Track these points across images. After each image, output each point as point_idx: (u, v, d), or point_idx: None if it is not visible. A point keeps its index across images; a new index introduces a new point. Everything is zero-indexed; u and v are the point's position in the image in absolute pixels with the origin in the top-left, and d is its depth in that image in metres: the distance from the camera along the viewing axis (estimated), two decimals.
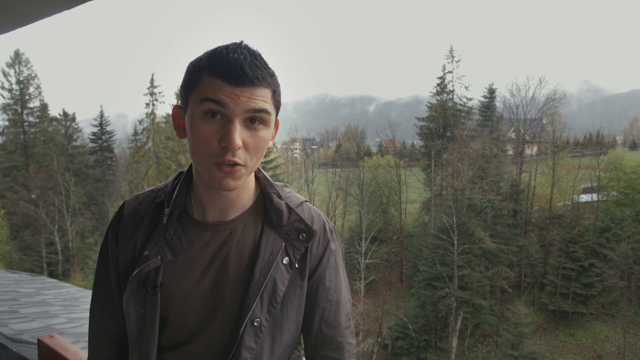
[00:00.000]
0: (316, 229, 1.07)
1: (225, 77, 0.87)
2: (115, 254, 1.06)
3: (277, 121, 1.01)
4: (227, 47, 0.91)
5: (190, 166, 1.07)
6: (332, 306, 1.08)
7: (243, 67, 0.87)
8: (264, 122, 0.92)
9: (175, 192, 1.05)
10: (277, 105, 0.96)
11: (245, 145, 0.91)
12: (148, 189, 1.13)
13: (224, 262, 1.01)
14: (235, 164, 0.90)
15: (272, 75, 0.93)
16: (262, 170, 1.12)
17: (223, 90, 0.87)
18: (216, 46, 0.93)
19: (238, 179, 0.93)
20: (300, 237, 1.04)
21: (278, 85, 0.96)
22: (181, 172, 1.10)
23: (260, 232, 1.03)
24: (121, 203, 1.13)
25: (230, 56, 0.88)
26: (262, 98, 0.90)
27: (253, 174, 1.07)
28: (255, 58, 0.90)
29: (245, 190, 1.04)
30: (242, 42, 0.93)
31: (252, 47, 0.93)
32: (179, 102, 0.99)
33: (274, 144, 33.04)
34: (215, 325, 1.00)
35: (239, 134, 0.88)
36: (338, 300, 1.10)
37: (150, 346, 1.00)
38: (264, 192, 1.08)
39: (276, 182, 1.12)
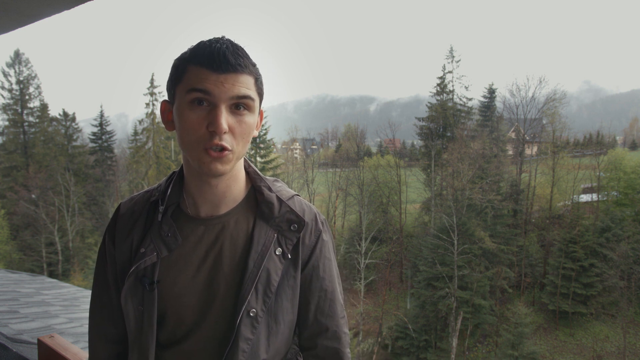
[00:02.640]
0: (307, 220, 1.09)
1: (209, 65, 0.90)
2: (113, 254, 1.08)
3: (261, 111, 1.05)
4: (209, 39, 0.95)
5: (182, 165, 1.10)
6: (327, 296, 1.11)
7: (226, 54, 0.91)
8: (249, 108, 0.96)
9: (169, 190, 1.08)
10: (260, 92, 0.99)
11: (231, 130, 0.94)
12: (143, 190, 1.16)
13: (218, 255, 1.03)
14: (223, 149, 0.93)
15: (254, 64, 0.97)
16: (253, 165, 1.14)
17: (208, 79, 0.90)
18: (199, 41, 0.97)
19: (226, 164, 0.95)
20: (291, 228, 1.06)
21: (260, 75, 0.99)
22: (174, 172, 1.13)
23: (252, 224, 1.06)
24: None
25: (213, 46, 0.92)
26: (245, 85, 0.93)
27: (243, 168, 1.10)
28: (236, 48, 0.94)
29: (235, 182, 1.06)
30: (223, 36, 0.97)
31: (233, 40, 0.96)
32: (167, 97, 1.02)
33: (270, 141, 33.01)
34: (212, 319, 1.02)
35: (225, 119, 0.92)
36: (333, 289, 1.12)
37: (149, 343, 1.02)
38: (255, 185, 1.11)
39: (266, 177, 1.15)
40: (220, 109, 0.91)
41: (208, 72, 0.90)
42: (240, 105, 0.94)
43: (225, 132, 0.92)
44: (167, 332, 1.05)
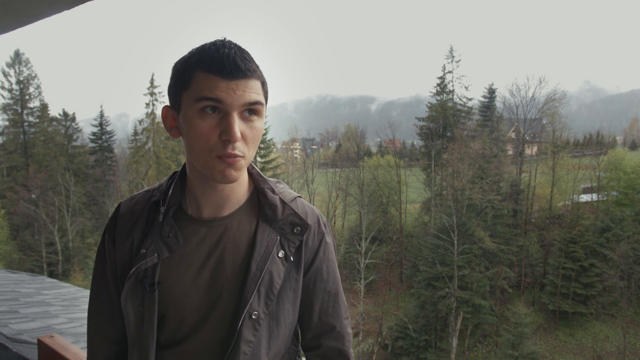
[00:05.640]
0: (311, 222, 1.09)
1: (220, 72, 0.89)
2: (113, 254, 1.07)
3: None
4: (214, 43, 0.93)
5: (184, 165, 1.09)
6: (330, 297, 1.11)
7: (235, 60, 0.89)
8: (258, 113, 0.95)
9: (170, 191, 1.07)
10: (266, 96, 0.99)
11: (243, 137, 0.93)
12: (143, 189, 1.15)
13: (220, 257, 1.02)
14: (236, 156, 0.92)
15: (258, 67, 0.97)
16: (255, 166, 1.14)
17: (219, 86, 0.89)
18: (201, 44, 0.95)
19: (239, 170, 0.95)
20: (294, 231, 1.06)
21: (264, 77, 0.99)
22: (175, 172, 1.12)
23: (255, 226, 1.05)
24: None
25: (222, 51, 0.90)
26: (255, 90, 0.93)
27: (246, 170, 1.10)
28: (243, 52, 0.93)
29: (239, 185, 1.06)
30: (225, 38, 0.95)
31: (237, 43, 0.95)
32: (169, 102, 1.00)
33: (270, 141, 32.99)
34: (213, 321, 1.02)
35: (238, 127, 0.91)
36: (337, 291, 1.13)
37: (149, 344, 1.01)
38: (258, 187, 1.10)
39: (269, 178, 1.14)
40: (232, 117, 0.90)
41: (218, 79, 0.88)
42: (251, 111, 0.93)
43: (238, 140, 0.91)
44: (167, 333, 1.04)
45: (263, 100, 0.95)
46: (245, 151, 0.94)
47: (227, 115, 0.90)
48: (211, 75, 0.89)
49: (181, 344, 1.03)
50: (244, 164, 0.95)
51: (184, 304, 1.02)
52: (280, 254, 1.03)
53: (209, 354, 1.02)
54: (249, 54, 0.95)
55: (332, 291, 1.12)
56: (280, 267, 1.03)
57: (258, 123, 0.95)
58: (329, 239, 1.12)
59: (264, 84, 0.97)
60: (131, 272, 1.01)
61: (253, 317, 0.99)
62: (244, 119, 0.93)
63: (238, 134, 0.90)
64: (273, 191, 1.09)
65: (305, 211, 1.11)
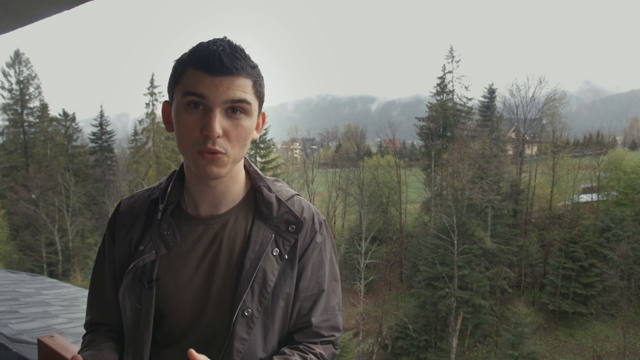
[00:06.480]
0: (305, 221, 1.08)
1: (204, 68, 0.90)
2: (112, 251, 1.09)
3: (263, 113, 1.04)
4: (208, 41, 0.94)
5: (182, 164, 1.10)
6: (311, 297, 1.08)
7: (221, 57, 0.90)
8: (245, 112, 0.95)
9: (169, 189, 1.08)
10: (259, 95, 0.98)
11: (226, 134, 0.93)
12: (144, 188, 1.16)
13: (216, 254, 1.03)
14: (216, 152, 0.92)
15: (253, 67, 0.96)
16: (253, 164, 1.14)
17: (203, 82, 0.90)
18: (199, 42, 0.97)
19: (222, 167, 0.95)
20: (289, 229, 1.06)
21: (260, 77, 0.98)
22: (175, 171, 1.13)
23: (251, 224, 1.05)
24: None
25: (210, 48, 0.91)
26: (241, 88, 0.92)
27: (243, 168, 1.10)
28: (234, 50, 0.93)
29: (234, 183, 1.06)
30: (224, 37, 0.96)
31: (233, 41, 0.95)
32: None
33: (270, 141, 32.99)
34: (209, 318, 1.02)
35: (219, 123, 0.91)
36: (319, 293, 1.09)
37: (144, 341, 1.02)
38: (255, 185, 1.11)
39: (268, 177, 1.14)
40: (214, 113, 0.90)
41: (203, 75, 0.90)
42: (236, 109, 0.93)
43: (219, 137, 0.91)
44: (165, 330, 1.05)
45: (251, 99, 0.95)
46: (228, 148, 0.94)
47: (209, 112, 0.91)
48: (198, 71, 0.91)
49: (179, 341, 1.04)
50: (227, 160, 0.95)
51: (180, 301, 1.03)
52: (275, 252, 1.03)
53: (206, 351, 1.01)
54: (242, 52, 0.94)
55: (314, 291, 1.08)
56: (275, 264, 1.02)
57: (245, 122, 0.95)
58: (320, 238, 1.10)
59: (256, 83, 0.96)
60: (129, 268, 1.02)
61: (246, 314, 0.99)
62: (229, 116, 0.93)
63: (217, 130, 0.90)
64: (269, 189, 1.10)
65: (302, 208, 1.10)
